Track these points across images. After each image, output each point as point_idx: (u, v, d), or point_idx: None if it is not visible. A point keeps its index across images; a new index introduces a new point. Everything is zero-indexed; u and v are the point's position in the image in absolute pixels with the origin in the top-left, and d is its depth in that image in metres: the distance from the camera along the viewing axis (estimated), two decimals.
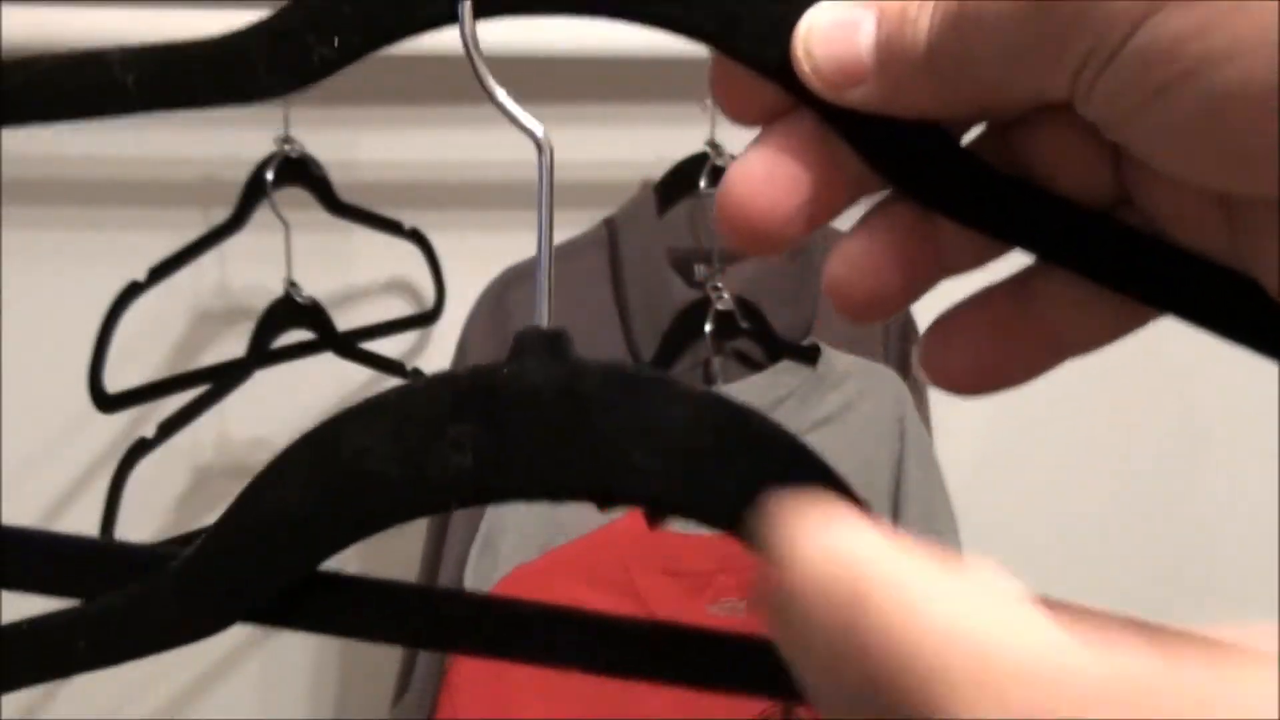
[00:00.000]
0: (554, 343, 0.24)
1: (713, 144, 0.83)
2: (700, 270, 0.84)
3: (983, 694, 0.16)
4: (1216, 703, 0.15)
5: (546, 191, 0.25)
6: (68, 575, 0.25)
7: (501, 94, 0.25)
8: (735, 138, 0.85)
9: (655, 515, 0.20)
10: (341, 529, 0.24)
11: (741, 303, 0.81)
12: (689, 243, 0.88)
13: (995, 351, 0.25)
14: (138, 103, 0.25)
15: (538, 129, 0.25)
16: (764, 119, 0.24)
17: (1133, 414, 1.18)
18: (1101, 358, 0.26)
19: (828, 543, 0.19)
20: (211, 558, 0.24)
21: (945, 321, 0.26)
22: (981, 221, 0.24)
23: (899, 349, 0.91)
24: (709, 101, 0.83)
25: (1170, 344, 1.30)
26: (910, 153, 0.23)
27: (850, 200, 0.25)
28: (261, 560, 0.24)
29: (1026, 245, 0.24)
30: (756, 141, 0.24)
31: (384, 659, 0.94)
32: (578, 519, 0.78)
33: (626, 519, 0.78)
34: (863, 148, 0.24)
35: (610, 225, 0.86)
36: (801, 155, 0.24)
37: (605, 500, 0.24)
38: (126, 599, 0.24)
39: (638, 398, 0.23)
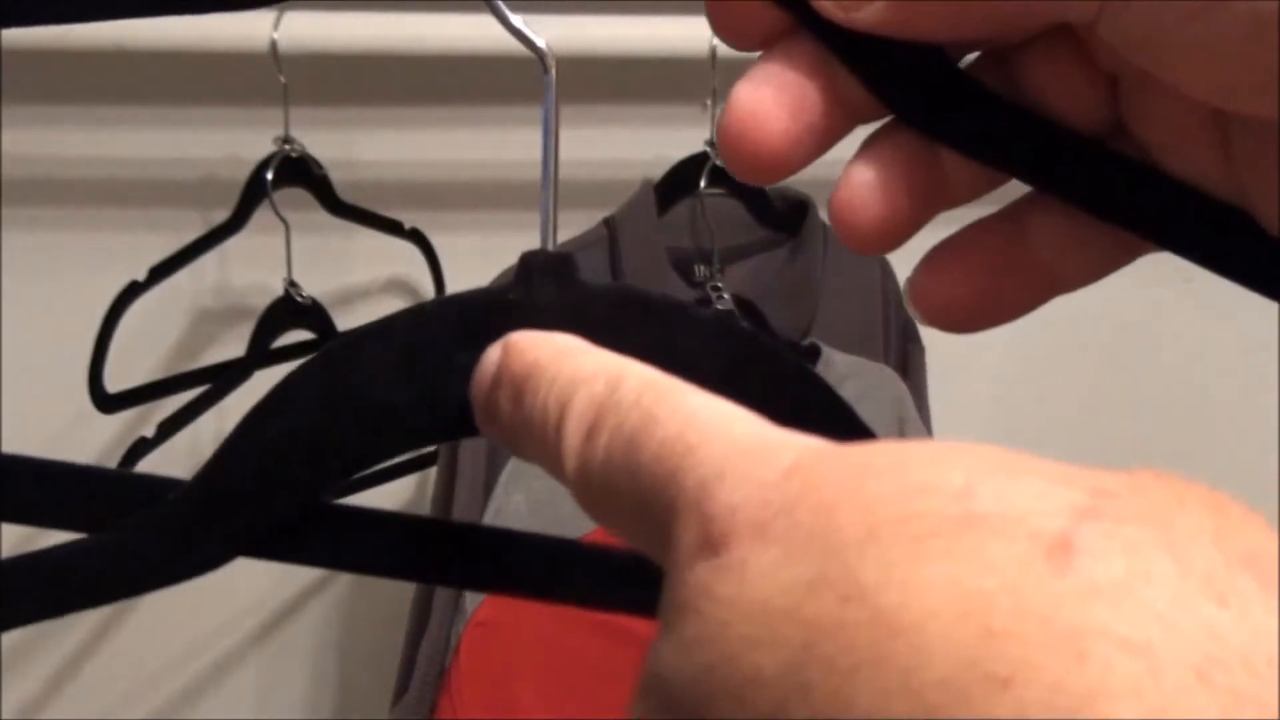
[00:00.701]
0: (560, 266, 0.23)
1: (713, 144, 0.83)
2: (700, 270, 0.84)
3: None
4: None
5: (552, 109, 0.25)
6: (66, 505, 0.24)
7: (508, 12, 0.25)
8: None
9: None
10: (348, 458, 0.23)
11: (741, 303, 0.81)
12: (689, 243, 0.88)
13: (987, 286, 0.25)
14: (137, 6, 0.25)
15: (542, 44, 0.25)
16: (761, 42, 0.24)
17: (1134, 413, 1.18)
18: (1105, 357, 0.26)
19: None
20: (212, 488, 0.23)
21: (936, 256, 0.25)
22: (982, 152, 0.23)
23: (899, 349, 0.91)
24: (709, 101, 0.83)
25: (1172, 343, 1.30)
26: (912, 80, 0.23)
27: (850, 126, 0.24)
28: (264, 490, 0.23)
29: (1028, 176, 0.23)
30: (757, 66, 0.24)
31: (384, 659, 0.94)
32: (579, 521, 0.78)
33: None
34: (864, 74, 0.23)
35: (610, 225, 0.86)
36: (804, 80, 0.23)
37: None
38: (125, 533, 0.23)
39: (647, 322, 0.23)
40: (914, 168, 0.24)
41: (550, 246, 0.24)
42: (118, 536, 0.23)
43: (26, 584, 0.24)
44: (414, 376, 0.23)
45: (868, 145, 0.24)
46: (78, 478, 0.24)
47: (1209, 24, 0.20)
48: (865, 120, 0.24)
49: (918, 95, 0.23)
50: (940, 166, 0.24)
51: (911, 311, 0.25)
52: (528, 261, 0.23)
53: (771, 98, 0.23)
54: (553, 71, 0.25)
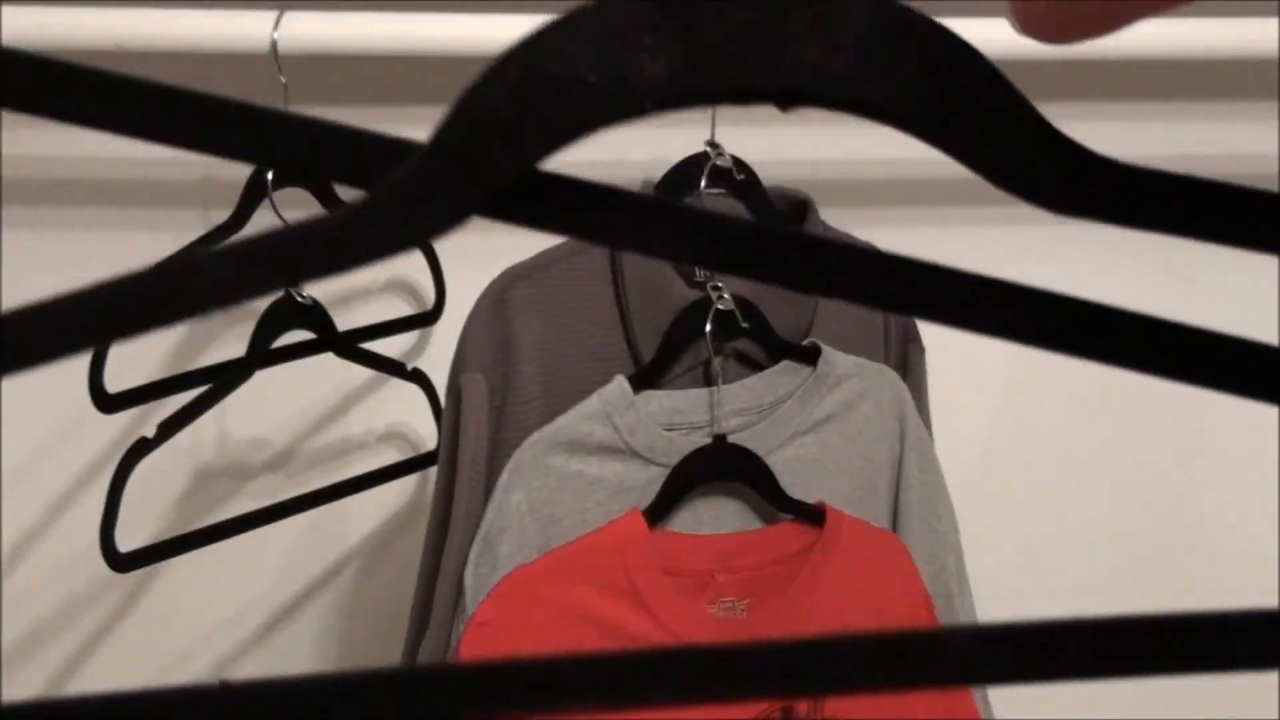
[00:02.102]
0: None
1: (713, 144, 0.83)
2: (700, 270, 0.84)
3: None
4: None
5: None
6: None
7: None
8: (735, 138, 0.85)
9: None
10: (553, 131, 0.26)
11: (741, 303, 0.81)
12: None
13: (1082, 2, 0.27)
14: None
15: None
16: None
17: (1133, 414, 1.18)
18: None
19: None
20: (429, 165, 0.26)
21: None
22: None
23: (899, 350, 0.91)
24: None
25: None
26: None
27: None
28: (478, 161, 0.26)
29: None
30: None
31: (384, 659, 0.94)
32: (578, 520, 0.78)
33: (626, 519, 0.78)
34: None
35: None
36: None
37: (789, 101, 0.25)
38: (348, 211, 0.26)
39: (818, 2, 0.25)
40: None
41: None
42: (343, 216, 0.26)
43: (270, 254, 0.26)
44: (606, 58, 0.25)
45: None
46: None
47: None
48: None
49: None
50: None
51: (1012, 22, 0.27)
52: None
53: None
54: None
